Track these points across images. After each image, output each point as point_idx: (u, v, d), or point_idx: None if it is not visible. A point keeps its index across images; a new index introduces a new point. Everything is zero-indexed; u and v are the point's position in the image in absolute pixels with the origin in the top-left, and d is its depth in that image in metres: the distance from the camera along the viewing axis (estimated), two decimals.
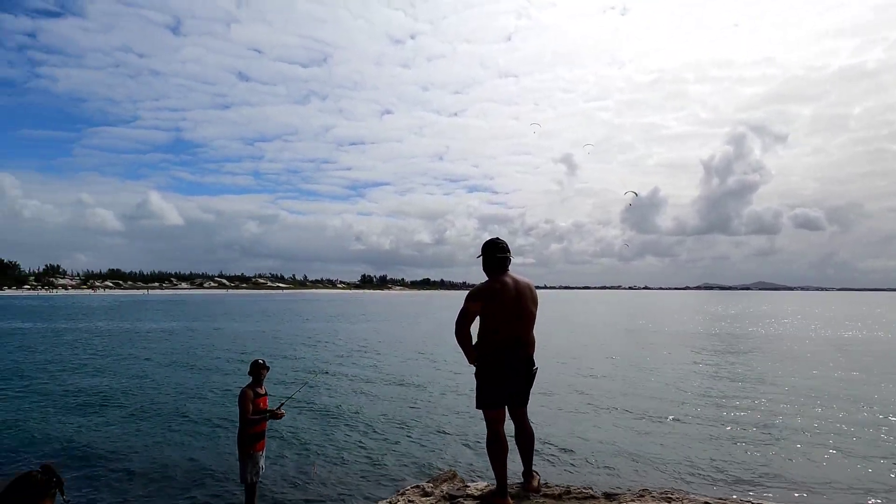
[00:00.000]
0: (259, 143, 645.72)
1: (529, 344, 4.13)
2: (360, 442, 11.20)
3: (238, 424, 6.29)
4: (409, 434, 11.81)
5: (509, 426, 4.20)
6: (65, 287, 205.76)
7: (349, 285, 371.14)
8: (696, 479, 9.17)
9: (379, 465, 9.80)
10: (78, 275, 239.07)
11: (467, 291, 4.20)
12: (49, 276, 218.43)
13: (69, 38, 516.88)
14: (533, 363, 4.18)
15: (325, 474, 9.25)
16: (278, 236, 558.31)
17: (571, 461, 9.98)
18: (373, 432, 11.94)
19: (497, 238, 4.22)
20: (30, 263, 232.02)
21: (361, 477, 9.13)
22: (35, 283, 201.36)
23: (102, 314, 62.17)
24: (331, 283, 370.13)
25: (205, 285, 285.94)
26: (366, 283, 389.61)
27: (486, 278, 4.16)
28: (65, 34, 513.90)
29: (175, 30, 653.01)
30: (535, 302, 4.15)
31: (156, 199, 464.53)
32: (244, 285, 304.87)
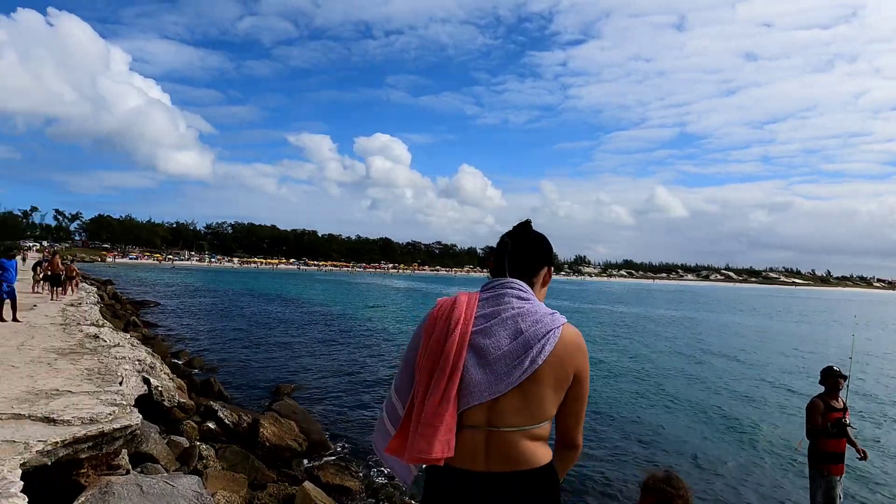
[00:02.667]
0: (769, 125, 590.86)
1: None
2: None
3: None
4: None
5: None
6: (589, 274, 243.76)
7: (891, 284, 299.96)
8: None
9: None
10: (599, 264, 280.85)
11: None
12: (577, 264, 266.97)
13: (590, 59, 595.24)
14: None
15: None
16: (792, 225, 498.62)
17: None
18: None
19: None
20: (563, 254, 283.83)
21: None
22: (568, 271, 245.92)
23: (623, 299, 68.50)
24: (864, 281, 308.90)
25: (710, 277, 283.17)
26: None
27: None
28: (587, 56, 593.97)
29: (679, 27, 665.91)
30: None
31: (662, 194, 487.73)
32: (753, 279, 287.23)
